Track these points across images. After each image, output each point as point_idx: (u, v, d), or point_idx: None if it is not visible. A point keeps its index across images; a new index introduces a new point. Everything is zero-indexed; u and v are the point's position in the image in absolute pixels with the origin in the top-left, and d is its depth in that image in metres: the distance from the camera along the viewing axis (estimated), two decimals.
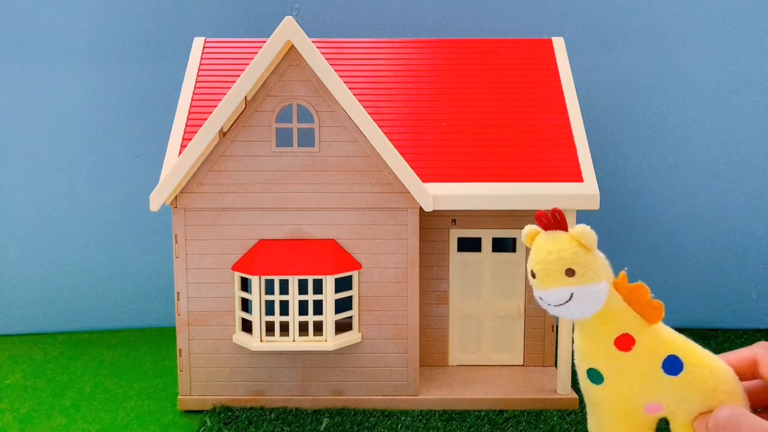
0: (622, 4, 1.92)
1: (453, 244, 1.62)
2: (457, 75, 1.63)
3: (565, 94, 1.59)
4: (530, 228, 1.16)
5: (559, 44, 1.69)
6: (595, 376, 1.08)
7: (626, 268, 1.16)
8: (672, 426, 1.13)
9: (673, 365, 1.05)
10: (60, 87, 1.95)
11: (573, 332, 1.18)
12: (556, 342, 1.59)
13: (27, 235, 1.99)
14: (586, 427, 1.38)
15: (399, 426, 1.40)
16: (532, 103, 1.58)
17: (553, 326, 1.63)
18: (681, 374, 1.07)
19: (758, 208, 1.96)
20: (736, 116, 1.94)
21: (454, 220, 1.61)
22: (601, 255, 1.11)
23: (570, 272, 1.02)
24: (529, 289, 1.62)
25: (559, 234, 1.11)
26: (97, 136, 1.97)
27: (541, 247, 1.11)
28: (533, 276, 1.12)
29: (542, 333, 1.64)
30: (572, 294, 1.02)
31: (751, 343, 1.88)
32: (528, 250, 1.74)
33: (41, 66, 1.93)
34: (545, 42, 1.70)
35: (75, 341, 1.94)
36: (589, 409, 1.21)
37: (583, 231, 1.05)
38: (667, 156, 1.96)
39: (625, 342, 1.04)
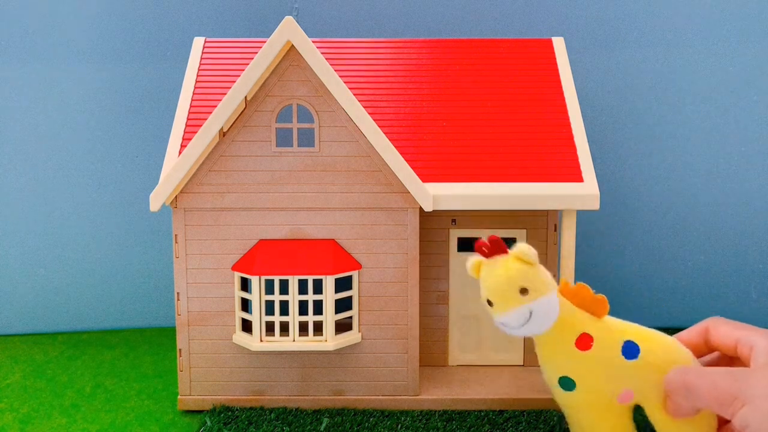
0: (622, 4, 1.92)
1: (453, 244, 1.62)
2: (457, 75, 1.63)
3: (565, 94, 1.59)
4: (473, 260, 1.19)
5: (559, 44, 1.69)
6: (566, 383, 1.17)
7: (563, 278, 1.19)
8: (647, 412, 1.17)
9: (630, 350, 1.14)
10: (60, 87, 1.95)
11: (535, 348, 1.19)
12: None
13: (27, 235, 1.99)
14: None
15: (399, 426, 1.40)
16: (532, 103, 1.58)
17: None
18: (639, 356, 1.14)
19: (758, 208, 1.96)
20: (736, 116, 1.94)
21: (454, 220, 1.61)
22: (542, 267, 1.14)
23: (524, 291, 1.11)
24: None
25: (501, 258, 1.15)
26: (96, 136, 1.97)
27: (489, 274, 1.15)
28: (490, 305, 1.15)
29: None
30: (531, 312, 1.11)
31: None
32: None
33: (41, 66, 1.93)
34: (545, 42, 1.70)
35: (75, 341, 1.94)
36: (567, 417, 1.24)
37: (522, 248, 1.12)
38: (667, 156, 1.96)
39: (584, 341, 1.13)
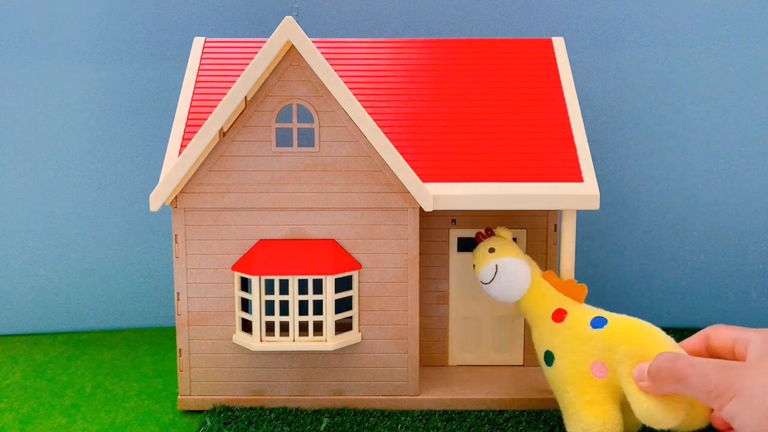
0: (622, 4, 1.92)
1: (453, 244, 1.62)
2: (457, 75, 1.63)
3: (565, 94, 1.59)
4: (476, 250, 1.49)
5: (559, 44, 1.69)
6: (548, 358, 1.33)
7: (550, 271, 1.40)
8: (623, 387, 1.21)
9: (598, 322, 1.28)
10: (60, 87, 1.95)
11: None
12: None
13: (27, 235, 1.99)
14: None
15: (399, 426, 1.40)
16: (532, 103, 1.58)
17: None
18: (605, 326, 1.27)
19: (758, 208, 1.96)
20: (736, 116, 1.94)
21: (454, 220, 1.61)
22: (520, 249, 1.43)
23: (491, 250, 1.41)
24: None
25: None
26: (96, 136, 1.97)
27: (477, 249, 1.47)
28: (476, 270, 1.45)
29: None
30: (497, 266, 1.38)
31: None
32: (530, 248, 1.77)
33: (41, 66, 1.93)
34: (545, 42, 1.70)
35: (75, 341, 1.94)
36: (558, 399, 1.34)
37: (499, 228, 1.47)
38: (667, 156, 1.96)
39: (559, 315, 1.33)
